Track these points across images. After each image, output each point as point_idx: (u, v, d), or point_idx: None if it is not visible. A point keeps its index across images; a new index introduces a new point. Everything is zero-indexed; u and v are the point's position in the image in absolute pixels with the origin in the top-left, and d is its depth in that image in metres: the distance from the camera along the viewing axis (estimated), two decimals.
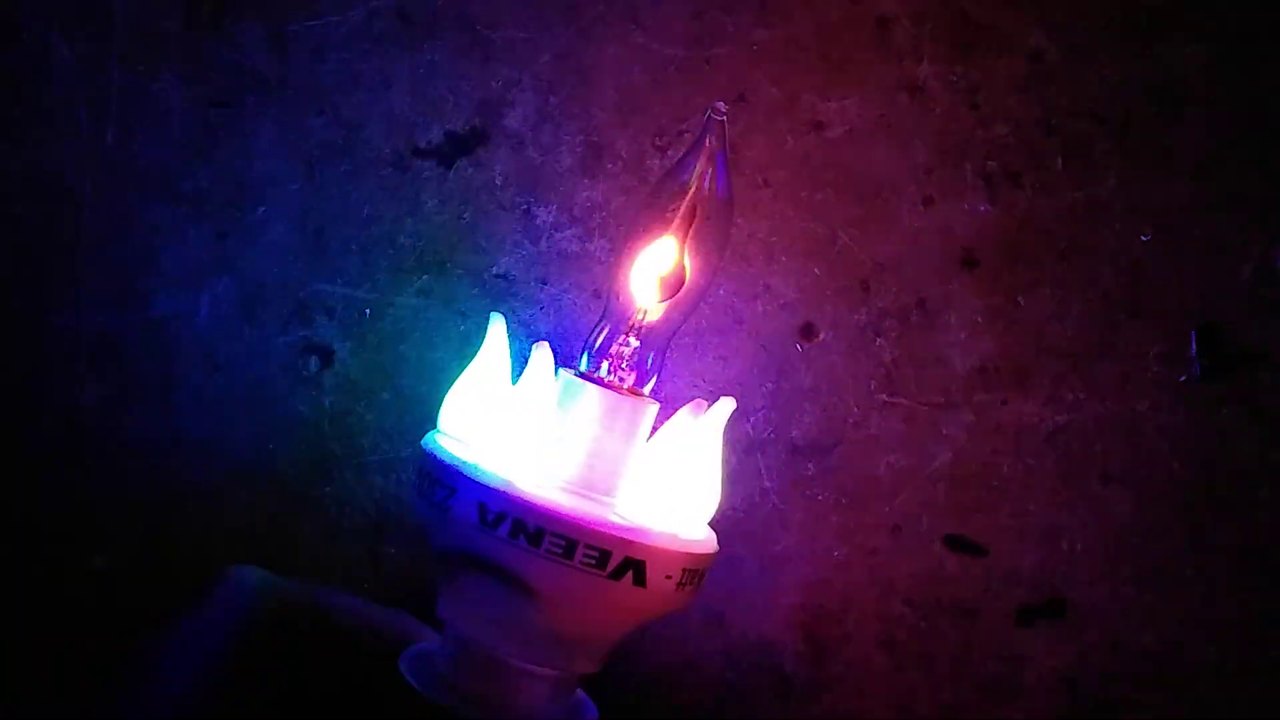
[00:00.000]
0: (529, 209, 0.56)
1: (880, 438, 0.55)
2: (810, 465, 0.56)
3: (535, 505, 0.41)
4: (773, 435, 0.56)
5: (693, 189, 0.47)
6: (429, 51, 0.56)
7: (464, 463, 0.42)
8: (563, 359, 0.55)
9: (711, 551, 0.44)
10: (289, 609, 0.50)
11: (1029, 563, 0.55)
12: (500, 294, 0.56)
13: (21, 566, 0.57)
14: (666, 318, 0.47)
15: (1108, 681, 0.55)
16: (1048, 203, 0.54)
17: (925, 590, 0.56)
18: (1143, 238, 0.54)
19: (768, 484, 0.56)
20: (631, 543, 0.41)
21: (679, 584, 0.42)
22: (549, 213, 0.56)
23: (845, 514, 0.56)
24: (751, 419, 0.55)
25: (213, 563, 0.55)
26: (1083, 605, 0.55)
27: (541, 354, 0.43)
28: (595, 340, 0.47)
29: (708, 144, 0.47)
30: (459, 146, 0.56)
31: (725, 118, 0.47)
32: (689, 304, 0.47)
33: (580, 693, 0.47)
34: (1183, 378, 0.54)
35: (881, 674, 0.56)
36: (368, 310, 0.57)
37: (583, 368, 0.47)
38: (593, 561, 0.41)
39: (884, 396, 0.55)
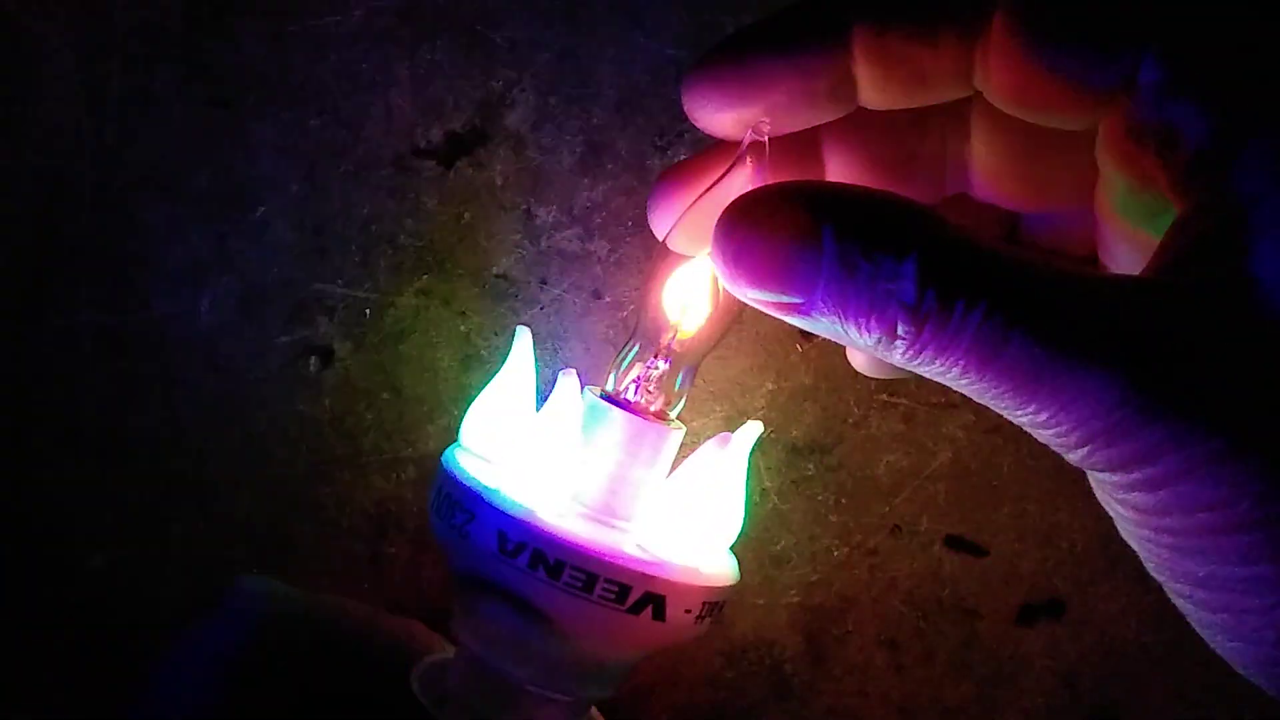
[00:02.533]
0: (529, 209, 0.56)
1: (880, 438, 0.55)
2: (810, 465, 0.56)
3: (556, 537, 0.40)
4: (773, 435, 0.56)
5: None
6: (429, 51, 0.56)
7: (485, 488, 0.42)
8: (562, 359, 0.56)
9: (732, 584, 0.44)
10: (299, 621, 0.50)
11: (1029, 563, 0.55)
12: (500, 294, 0.56)
13: (21, 566, 0.57)
14: (698, 340, 0.46)
15: (1108, 681, 0.55)
16: None
17: (925, 590, 0.56)
18: None
19: (768, 484, 0.56)
20: (652, 578, 0.40)
21: (698, 617, 0.42)
22: (549, 213, 0.56)
23: (845, 514, 0.56)
24: (752, 419, 0.55)
25: (212, 563, 0.55)
26: (1083, 605, 0.55)
27: (568, 382, 0.43)
28: (622, 361, 0.46)
29: (747, 164, 0.46)
30: (459, 146, 0.56)
31: (766, 137, 0.46)
32: (722, 326, 0.46)
33: (593, 711, 0.47)
34: None
35: (881, 674, 0.56)
36: (368, 310, 0.57)
37: (609, 388, 0.46)
38: (612, 596, 0.40)
39: (884, 396, 0.55)
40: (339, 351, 0.57)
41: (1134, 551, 0.31)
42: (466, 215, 0.56)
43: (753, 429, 0.45)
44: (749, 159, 0.45)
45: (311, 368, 0.57)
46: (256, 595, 0.51)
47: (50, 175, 0.56)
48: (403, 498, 0.57)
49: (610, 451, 0.44)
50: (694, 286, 0.46)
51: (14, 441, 0.57)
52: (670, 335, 0.46)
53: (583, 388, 0.45)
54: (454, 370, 0.56)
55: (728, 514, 0.44)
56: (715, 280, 0.45)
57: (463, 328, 0.56)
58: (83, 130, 0.56)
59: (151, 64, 0.56)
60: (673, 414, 0.46)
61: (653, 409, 0.45)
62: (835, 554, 0.56)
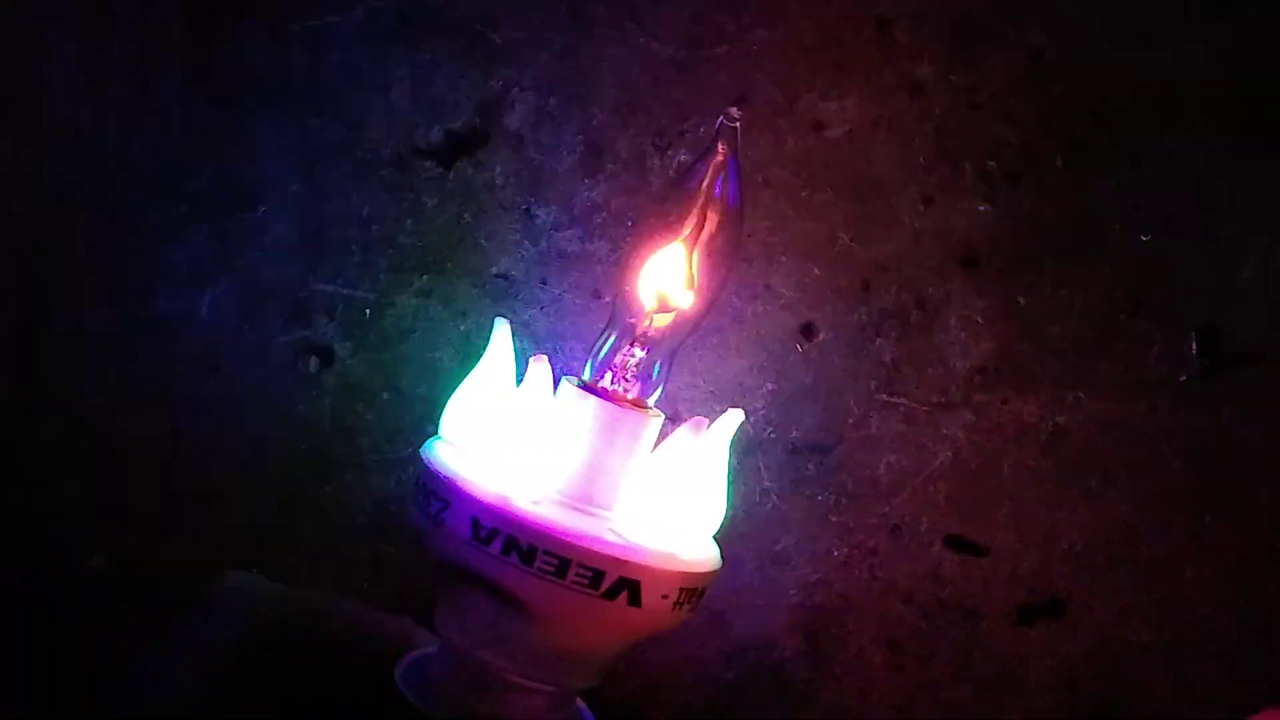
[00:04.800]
0: (529, 209, 0.56)
1: (880, 438, 0.55)
2: (810, 465, 0.56)
3: (528, 522, 0.40)
4: (773, 435, 0.56)
5: (703, 196, 0.46)
6: (429, 51, 0.56)
7: (459, 476, 0.42)
8: (562, 359, 0.56)
9: (711, 570, 0.43)
10: (287, 617, 0.50)
11: (1029, 563, 0.55)
12: (500, 294, 0.56)
13: (21, 566, 0.57)
14: (673, 328, 0.46)
15: (1108, 681, 0.55)
16: (1048, 203, 0.54)
17: (925, 590, 0.56)
18: (1143, 238, 0.54)
19: (768, 484, 0.56)
20: (626, 563, 0.40)
21: (676, 603, 0.42)
22: (549, 213, 0.56)
23: (845, 514, 0.56)
24: (751, 419, 0.55)
25: (212, 563, 0.55)
26: (1083, 605, 0.55)
27: (539, 367, 0.43)
28: (599, 350, 0.46)
29: (719, 150, 0.46)
30: (459, 146, 0.56)
31: (738, 124, 0.46)
32: (697, 314, 0.46)
33: (579, 704, 0.46)
34: (1183, 378, 0.54)
35: (881, 674, 0.56)
36: (368, 310, 0.57)
37: (586, 377, 0.46)
38: (585, 581, 0.40)
39: (884, 396, 0.55)
40: (339, 351, 0.57)
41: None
42: (466, 215, 0.56)
43: (733, 417, 0.44)
44: (720, 144, 0.45)
45: (311, 368, 0.57)
46: (244, 591, 0.51)
47: (50, 175, 0.56)
48: (403, 498, 0.57)
49: (587, 440, 0.44)
50: (669, 274, 0.46)
51: (15, 441, 0.57)
52: (646, 324, 0.46)
53: (562, 377, 0.45)
54: (454, 371, 0.56)
55: (706, 499, 0.44)
56: (690, 267, 0.46)
57: (463, 328, 0.56)
58: (83, 130, 0.56)
59: (151, 64, 0.56)
60: (650, 401, 0.46)
61: (630, 396, 0.45)
62: (835, 554, 0.56)
